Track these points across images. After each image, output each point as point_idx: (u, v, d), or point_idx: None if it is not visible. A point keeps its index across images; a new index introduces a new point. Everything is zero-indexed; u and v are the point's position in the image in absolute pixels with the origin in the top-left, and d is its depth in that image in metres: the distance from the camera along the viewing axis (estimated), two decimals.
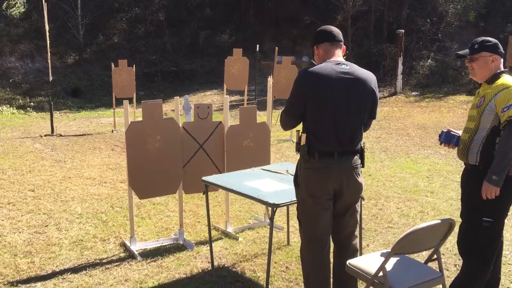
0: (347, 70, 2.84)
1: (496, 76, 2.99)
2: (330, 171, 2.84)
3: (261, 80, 13.90)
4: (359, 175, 2.93)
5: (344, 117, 2.82)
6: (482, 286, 3.08)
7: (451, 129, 3.23)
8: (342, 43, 2.99)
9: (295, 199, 3.14)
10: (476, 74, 3.05)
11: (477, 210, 2.96)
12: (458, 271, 3.78)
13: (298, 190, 3.00)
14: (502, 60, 3.05)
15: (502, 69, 3.03)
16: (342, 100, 2.81)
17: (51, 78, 10.38)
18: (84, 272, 3.83)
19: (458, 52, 3.18)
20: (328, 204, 2.92)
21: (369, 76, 2.91)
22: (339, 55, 2.94)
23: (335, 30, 2.99)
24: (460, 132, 3.17)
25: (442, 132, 3.20)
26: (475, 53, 3.02)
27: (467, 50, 3.08)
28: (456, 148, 3.16)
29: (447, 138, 3.17)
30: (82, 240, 4.47)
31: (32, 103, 14.09)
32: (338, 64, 2.85)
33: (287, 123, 3.04)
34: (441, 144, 3.22)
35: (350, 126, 2.86)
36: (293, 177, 3.10)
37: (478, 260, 3.02)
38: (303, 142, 2.88)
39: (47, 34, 9.88)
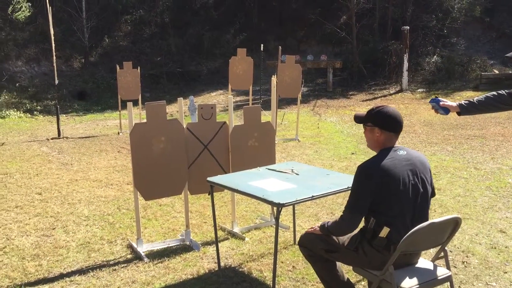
0: (405, 156, 2.76)
1: None
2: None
3: (266, 80, 13.88)
4: None
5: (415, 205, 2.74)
6: None
7: (442, 99, 3.46)
8: None
9: (300, 198, 3.13)
10: None
11: None
12: (466, 268, 3.77)
13: (358, 253, 2.82)
14: None
15: None
16: (411, 190, 2.71)
17: (56, 82, 10.43)
18: (91, 274, 3.84)
19: (507, 55, 3.05)
20: None
21: (423, 156, 2.86)
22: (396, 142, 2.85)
23: (402, 120, 2.86)
24: (450, 103, 3.39)
25: (436, 98, 3.47)
26: None
27: None
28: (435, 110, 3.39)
29: (437, 104, 3.48)
30: (89, 242, 4.49)
31: (38, 107, 14.15)
32: (396, 151, 2.77)
33: (355, 223, 2.79)
34: (431, 102, 3.52)
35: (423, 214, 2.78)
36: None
37: None
38: (383, 234, 2.69)
39: (52, 37, 9.93)
